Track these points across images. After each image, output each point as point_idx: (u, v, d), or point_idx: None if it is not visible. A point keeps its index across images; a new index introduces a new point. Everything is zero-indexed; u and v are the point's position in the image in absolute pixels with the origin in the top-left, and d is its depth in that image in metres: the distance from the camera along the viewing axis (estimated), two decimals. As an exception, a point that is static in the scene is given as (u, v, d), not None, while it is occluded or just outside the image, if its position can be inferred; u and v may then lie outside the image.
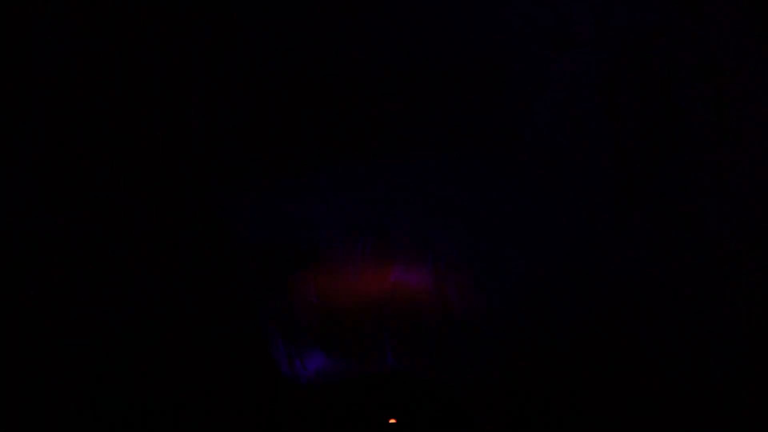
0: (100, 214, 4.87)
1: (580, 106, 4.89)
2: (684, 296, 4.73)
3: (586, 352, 5.20)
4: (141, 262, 5.07)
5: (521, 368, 5.69)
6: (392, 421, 6.85)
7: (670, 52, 4.59)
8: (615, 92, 4.79)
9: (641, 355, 4.91)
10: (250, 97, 5.10)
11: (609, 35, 4.67)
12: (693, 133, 4.68)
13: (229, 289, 5.77)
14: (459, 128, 5.15)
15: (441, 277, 6.01)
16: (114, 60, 4.82)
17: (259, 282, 6.00)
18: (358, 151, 5.33)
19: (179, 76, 4.99)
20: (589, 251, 5.12)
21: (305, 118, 5.16)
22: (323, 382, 6.59)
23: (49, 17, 4.52)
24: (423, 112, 5.14)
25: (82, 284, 4.78)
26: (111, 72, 4.84)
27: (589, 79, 4.82)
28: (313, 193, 5.56)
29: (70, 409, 4.61)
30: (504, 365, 5.85)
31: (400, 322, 6.30)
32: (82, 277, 4.78)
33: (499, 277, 5.69)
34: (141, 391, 5.03)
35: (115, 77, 4.86)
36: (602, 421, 5.15)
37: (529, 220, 5.40)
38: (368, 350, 6.46)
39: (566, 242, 5.24)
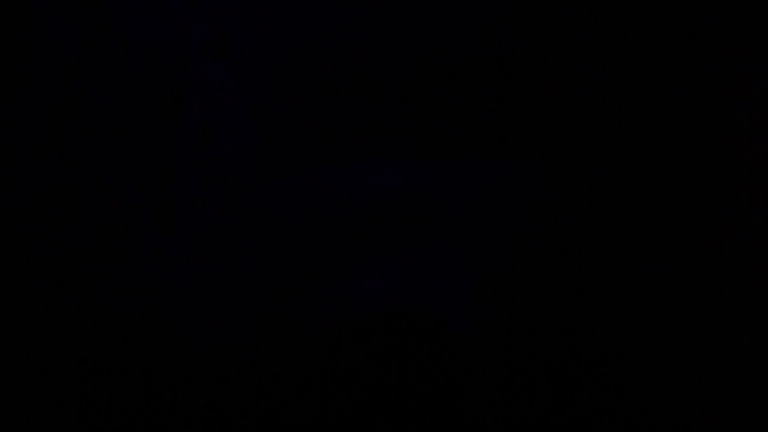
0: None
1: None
2: (682, 296, 4.73)
3: (582, 352, 5.19)
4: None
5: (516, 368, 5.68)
6: None
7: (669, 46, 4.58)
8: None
9: (639, 355, 4.90)
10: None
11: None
12: (692, 133, 4.67)
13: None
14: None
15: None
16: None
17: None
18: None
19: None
20: (586, 251, 5.12)
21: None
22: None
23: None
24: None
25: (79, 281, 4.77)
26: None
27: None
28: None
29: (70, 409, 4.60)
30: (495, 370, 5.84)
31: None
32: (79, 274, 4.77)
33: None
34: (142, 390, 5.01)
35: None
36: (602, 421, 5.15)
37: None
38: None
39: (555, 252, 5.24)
